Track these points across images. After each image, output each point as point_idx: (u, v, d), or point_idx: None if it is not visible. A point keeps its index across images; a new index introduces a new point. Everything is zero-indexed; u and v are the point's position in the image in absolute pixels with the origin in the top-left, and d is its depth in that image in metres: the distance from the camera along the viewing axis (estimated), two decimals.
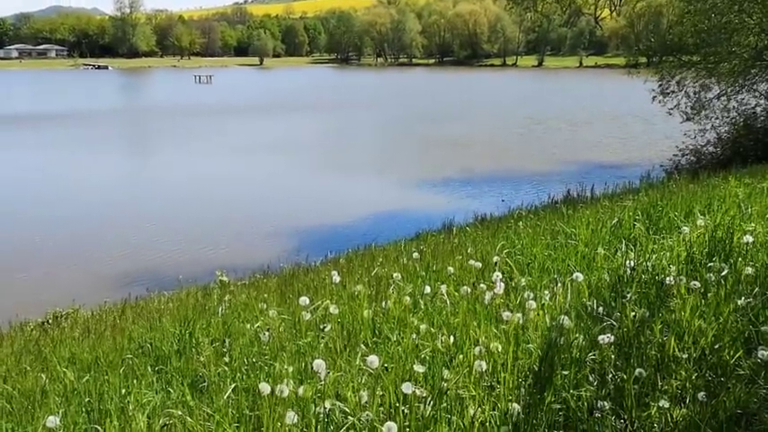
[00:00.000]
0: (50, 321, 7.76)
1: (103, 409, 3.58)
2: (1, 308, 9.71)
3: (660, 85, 19.91)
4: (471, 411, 3.25)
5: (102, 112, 52.09)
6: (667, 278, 4.82)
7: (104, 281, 13.34)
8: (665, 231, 6.20)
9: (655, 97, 20.02)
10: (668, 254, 5.44)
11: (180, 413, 3.36)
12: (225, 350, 4.62)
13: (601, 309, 4.55)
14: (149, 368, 4.52)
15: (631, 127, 39.14)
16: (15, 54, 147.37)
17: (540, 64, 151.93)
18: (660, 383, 3.73)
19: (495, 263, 5.97)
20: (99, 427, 3.38)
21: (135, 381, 4.22)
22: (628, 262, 5.26)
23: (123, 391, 3.92)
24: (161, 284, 10.76)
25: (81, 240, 17.06)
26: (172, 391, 4.02)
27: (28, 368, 4.98)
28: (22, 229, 17.80)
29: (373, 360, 3.71)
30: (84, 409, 3.71)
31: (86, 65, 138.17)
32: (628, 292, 4.76)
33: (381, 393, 3.59)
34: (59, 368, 4.64)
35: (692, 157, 18.91)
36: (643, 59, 30.17)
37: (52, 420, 3.19)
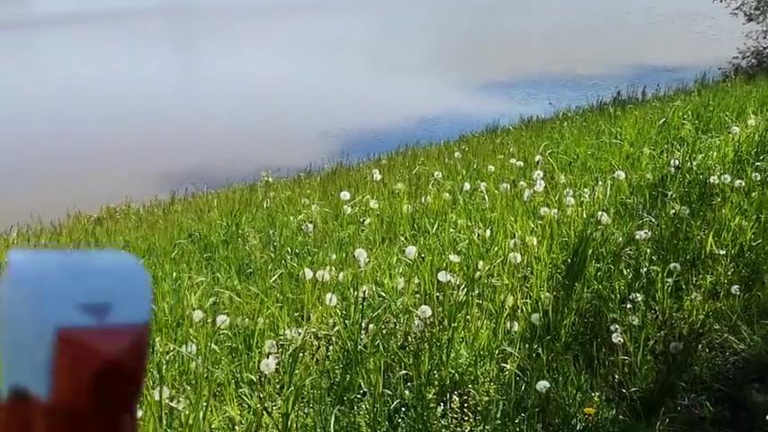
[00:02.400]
0: (104, 216, 8.08)
1: (158, 291, 3.80)
2: (56, 203, 10.13)
3: None
4: (503, 298, 3.35)
5: (144, 11, 51.77)
6: (712, 177, 4.76)
7: (153, 179, 13.66)
8: (715, 131, 6.06)
9: None
10: (715, 153, 5.35)
11: (228, 293, 3.56)
12: (270, 240, 4.80)
13: (641, 206, 4.55)
14: (199, 255, 4.74)
15: (692, 27, 37.23)
16: None
17: None
18: (695, 278, 3.77)
19: (537, 162, 5.95)
20: (154, 306, 3.61)
21: (186, 266, 4.44)
22: (673, 161, 5.19)
23: (175, 274, 4.14)
24: (208, 183, 11.02)
25: (130, 140, 17.42)
26: (220, 276, 4.23)
27: None
28: (68, 129, 18.23)
29: (411, 250, 3.82)
30: None
31: None
32: (670, 191, 4.73)
33: (417, 281, 3.72)
34: None
35: (753, 60, 18.02)
36: None
37: None
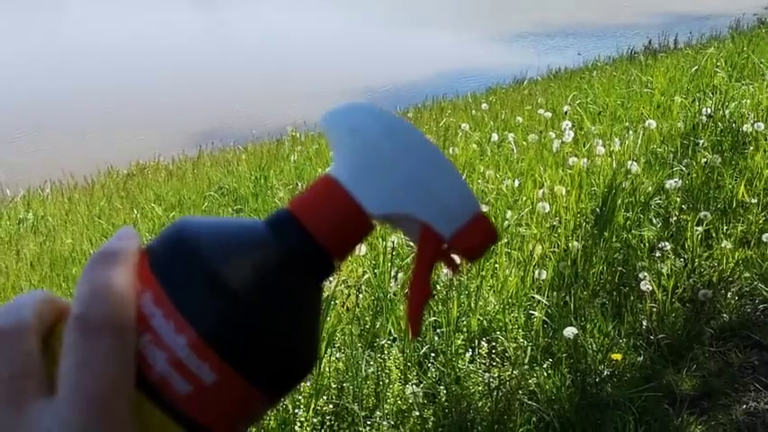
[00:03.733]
0: (134, 172, 8.20)
1: None
2: (85, 159, 10.28)
3: None
4: (531, 247, 3.37)
5: None
6: (745, 125, 4.68)
7: (180, 135, 13.76)
8: (749, 79, 5.92)
9: None
10: (749, 101, 5.24)
11: None
12: (298, 192, 4.84)
13: (671, 155, 4.50)
14: (229, 208, 4.81)
15: None
16: None
17: None
18: (725, 227, 3.75)
19: (566, 112, 5.89)
20: None
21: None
22: (705, 109, 5.10)
23: None
24: (235, 139, 11.09)
25: (157, 96, 17.52)
26: None
27: (119, 206, 5.38)
28: (93, 85, 18.35)
29: None
30: None
31: None
32: (701, 140, 4.66)
33: None
34: (148, 206, 4.99)
35: None
36: None
37: None
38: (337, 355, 2.70)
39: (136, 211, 4.91)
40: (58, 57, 22.37)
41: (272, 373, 0.35)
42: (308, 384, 2.49)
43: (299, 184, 5.04)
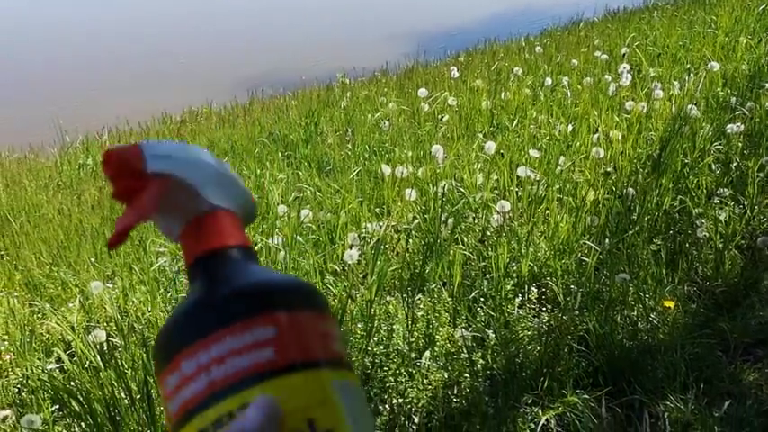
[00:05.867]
0: (187, 119, 8.30)
1: None
2: (140, 107, 10.46)
3: None
4: (584, 193, 3.32)
5: None
6: None
7: (231, 83, 13.82)
8: None
9: None
10: None
11: (310, 188, 3.66)
12: (348, 138, 4.85)
13: (734, 99, 4.33)
14: (279, 154, 4.85)
15: None
16: None
17: None
18: None
19: (624, 54, 5.70)
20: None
21: (268, 164, 4.57)
22: None
23: (258, 171, 4.27)
24: (284, 86, 11.10)
25: (206, 44, 17.59)
26: (301, 173, 4.34)
27: None
28: (143, 36, 18.50)
29: (490, 146, 3.80)
30: None
31: None
32: (766, 82, 4.47)
33: (496, 177, 3.72)
34: None
35: None
36: None
37: None
38: (387, 298, 2.74)
39: None
40: (113, 13, 22.58)
41: None
42: (359, 326, 2.54)
43: (349, 130, 5.05)
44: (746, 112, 4.04)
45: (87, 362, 2.31)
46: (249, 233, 2.55)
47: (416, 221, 3.22)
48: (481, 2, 19.68)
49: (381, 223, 3.16)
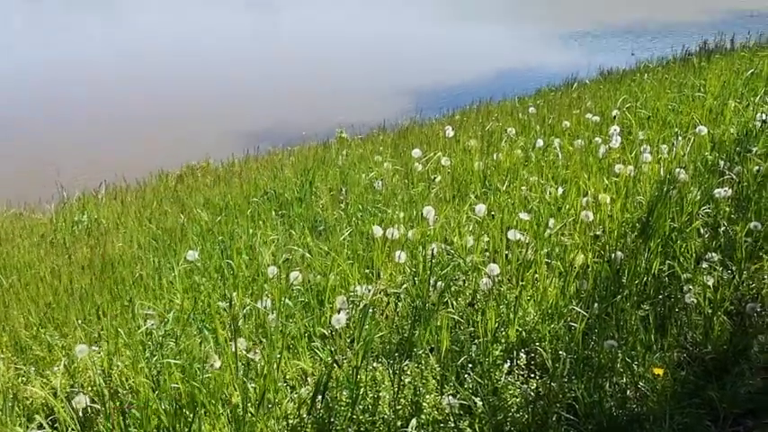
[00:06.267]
0: (185, 173, 8.38)
1: (234, 246, 3.96)
2: (144, 162, 10.58)
3: None
4: (573, 257, 3.33)
5: None
6: None
7: (233, 136, 13.97)
8: None
9: None
10: None
11: (300, 250, 3.68)
12: (341, 198, 4.89)
13: (722, 163, 4.38)
14: (273, 213, 4.88)
15: None
16: None
17: None
18: None
19: (615, 116, 5.80)
20: (231, 261, 3.77)
21: (261, 223, 4.59)
22: (759, 115, 4.96)
23: (251, 231, 4.29)
24: (285, 140, 11.24)
25: (210, 98, 17.83)
26: (294, 232, 4.36)
27: (169, 210, 5.53)
28: (149, 88, 18.76)
29: (480, 208, 3.83)
30: (217, 246, 4.12)
31: None
32: (754, 146, 4.53)
33: (487, 239, 3.74)
34: (195, 211, 5.12)
35: None
36: None
37: (192, 254, 3.59)
38: (374, 365, 2.72)
39: (183, 216, 5.04)
40: (113, 61, 22.95)
41: None
42: (345, 393, 2.52)
43: (343, 189, 5.09)
44: (734, 177, 4.08)
45: (68, 429, 2.29)
46: (239, 296, 2.54)
47: (405, 285, 3.22)
48: (484, 61, 20.03)
49: (370, 287, 3.16)
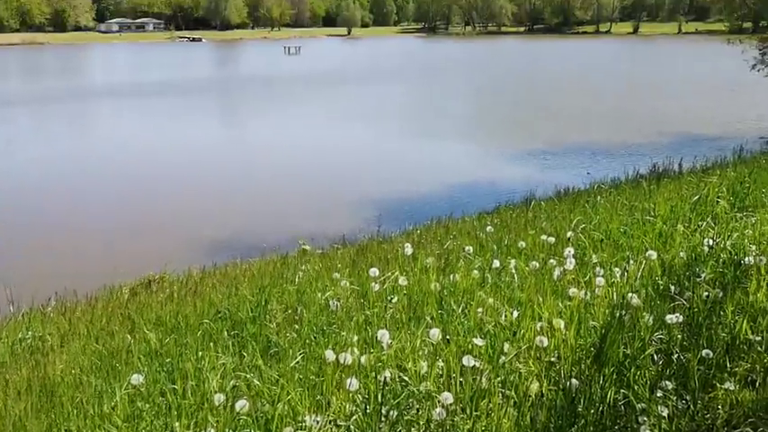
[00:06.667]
0: (139, 287, 8.23)
1: (181, 370, 3.83)
2: (101, 270, 10.39)
3: (761, 51, 18.82)
4: (528, 385, 3.28)
5: (197, 82, 53.80)
6: (747, 258, 4.65)
7: (194, 246, 13.94)
8: (751, 209, 5.95)
9: (755, 65, 18.93)
10: (750, 232, 5.24)
11: (249, 376, 3.56)
12: (296, 318, 4.81)
13: (673, 288, 4.45)
14: (226, 333, 4.77)
15: (729, 97, 37.12)
16: (116, 28, 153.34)
17: (635, 31, 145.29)
18: (729, 366, 3.64)
19: (569, 238, 5.91)
20: (176, 387, 3.63)
21: (212, 344, 4.47)
22: (706, 240, 5.10)
23: (200, 353, 4.16)
24: (246, 250, 11.21)
25: (174, 206, 17.86)
26: (246, 355, 4.25)
27: (116, 329, 5.36)
28: (118, 194, 18.76)
29: (434, 333, 3.79)
30: (164, 369, 3.97)
31: (182, 38, 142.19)
32: (703, 272, 4.62)
33: (441, 364, 3.67)
34: (144, 330, 4.97)
35: None
36: (748, 25, 28.18)
37: (136, 378, 3.45)
38: None
39: (131, 337, 4.88)
40: (75, 169, 23.02)
41: None
42: None
43: (299, 309, 5.02)
44: (685, 302, 4.13)
45: None
46: (181, 426, 2.41)
47: (354, 417, 3.12)
48: (446, 175, 20.56)
49: (320, 418, 3.05)
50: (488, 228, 7.23)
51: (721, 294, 4.19)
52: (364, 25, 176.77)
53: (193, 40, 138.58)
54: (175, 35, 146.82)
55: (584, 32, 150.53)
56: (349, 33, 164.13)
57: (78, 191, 19.38)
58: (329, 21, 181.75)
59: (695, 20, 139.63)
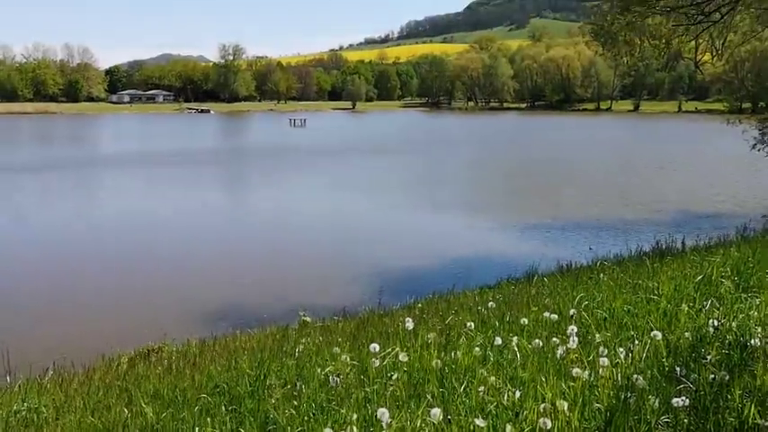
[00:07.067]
0: (138, 357, 8.14)
1: None
2: (100, 339, 10.30)
3: (761, 131, 19.14)
4: None
5: (203, 152, 54.63)
6: (752, 340, 4.60)
7: (194, 315, 13.86)
8: (756, 290, 5.91)
9: (755, 145, 19.22)
10: (756, 314, 5.19)
11: None
12: (295, 393, 4.73)
13: (678, 369, 4.38)
14: (223, 407, 4.68)
15: (732, 176, 37.52)
16: (127, 99, 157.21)
17: (635, 109, 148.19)
18: None
19: (572, 316, 5.86)
20: None
21: (209, 419, 4.38)
22: (711, 321, 5.05)
23: (197, 429, 4.08)
24: (246, 320, 11.14)
25: (176, 275, 17.83)
26: (243, 431, 4.16)
27: (113, 402, 5.26)
28: (119, 262, 18.76)
29: (436, 413, 3.72)
30: None
31: (190, 109, 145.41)
32: (709, 354, 4.57)
33: None
34: (142, 404, 4.88)
35: None
36: (747, 105, 28.76)
37: None
38: None
39: (127, 411, 4.79)
40: (79, 236, 23.10)
41: None
42: None
43: (298, 384, 4.94)
44: (691, 385, 4.06)
45: None
46: None
47: None
48: (450, 248, 20.58)
49: None
50: (490, 303, 7.17)
51: (728, 377, 4.12)
52: (369, 99, 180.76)
53: (201, 111, 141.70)
54: (184, 106, 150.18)
55: (585, 109, 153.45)
56: (353, 107, 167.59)
57: (80, 258, 19.43)
58: (335, 95, 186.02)
59: (694, 99, 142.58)
